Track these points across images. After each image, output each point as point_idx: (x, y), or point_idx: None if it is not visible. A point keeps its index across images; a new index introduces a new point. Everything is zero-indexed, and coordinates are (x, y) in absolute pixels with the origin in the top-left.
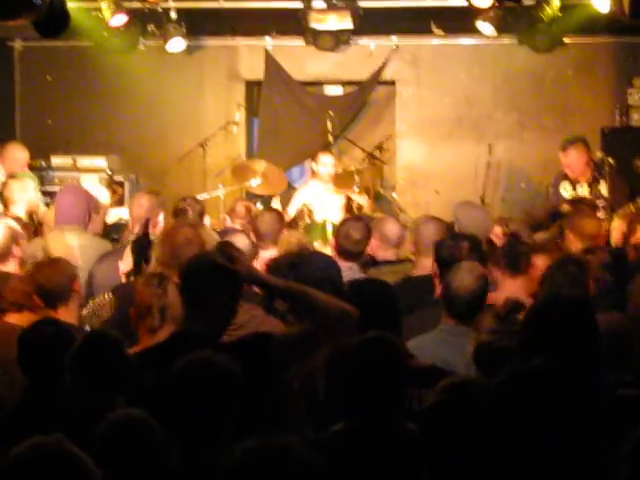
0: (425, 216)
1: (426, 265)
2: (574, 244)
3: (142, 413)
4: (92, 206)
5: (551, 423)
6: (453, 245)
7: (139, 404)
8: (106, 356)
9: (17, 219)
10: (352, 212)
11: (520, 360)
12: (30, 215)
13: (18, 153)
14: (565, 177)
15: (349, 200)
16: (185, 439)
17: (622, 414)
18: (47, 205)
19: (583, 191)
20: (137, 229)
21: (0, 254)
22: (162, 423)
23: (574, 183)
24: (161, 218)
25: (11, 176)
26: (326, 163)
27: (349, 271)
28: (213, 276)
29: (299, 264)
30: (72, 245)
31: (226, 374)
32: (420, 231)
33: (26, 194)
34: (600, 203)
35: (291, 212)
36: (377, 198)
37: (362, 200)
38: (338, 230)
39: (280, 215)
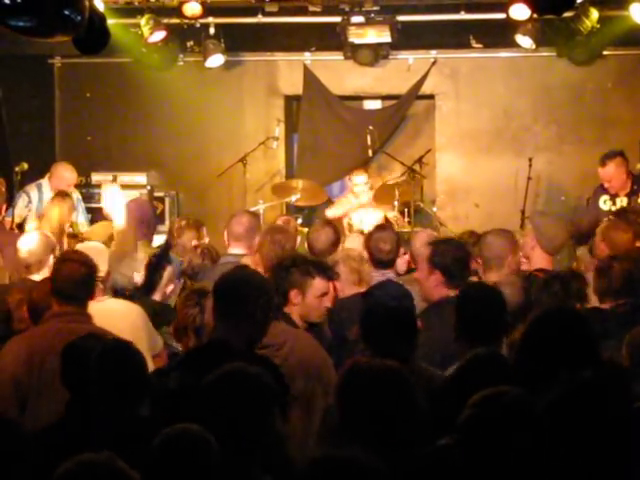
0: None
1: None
2: (604, 254)
3: (199, 428)
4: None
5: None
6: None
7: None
8: (124, 364)
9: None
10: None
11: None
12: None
13: (66, 173)
14: (604, 190)
15: (386, 218)
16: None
17: None
18: (90, 222)
19: (622, 204)
20: (232, 247)
21: (36, 262)
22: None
23: (613, 196)
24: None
25: (58, 194)
26: (358, 182)
27: (383, 278)
28: (246, 289)
29: (372, 292)
30: None
31: (260, 385)
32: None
33: (69, 213)
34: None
35: (329, 214)
36: (417, 212)
37: (392, 215)
38: (368, 242)
39: (335, 229)
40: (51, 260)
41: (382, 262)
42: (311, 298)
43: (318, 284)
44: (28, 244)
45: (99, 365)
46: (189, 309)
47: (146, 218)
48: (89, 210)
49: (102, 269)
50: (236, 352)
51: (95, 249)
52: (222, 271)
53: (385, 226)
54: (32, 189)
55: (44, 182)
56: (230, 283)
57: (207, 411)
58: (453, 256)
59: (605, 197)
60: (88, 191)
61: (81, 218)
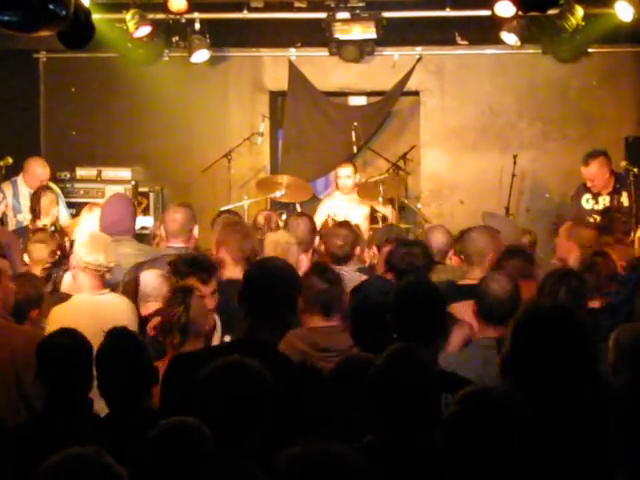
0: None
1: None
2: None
3: (195, 420)
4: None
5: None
6: (406, 252)
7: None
8: (129, 355)
9: (43, 229)
10: (377, 223)
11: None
12: (55, 226)
13: (38, 168)
14: (586, 189)
15: (373, 211)
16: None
17: None
18: (72, 216)
19: (605, 202)
20: (171, 242)
21: None
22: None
23: (596, 195)
24: (196, 231)
25: (40, 187)
26: (342, 175)
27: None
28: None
29: (361, 287)
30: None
31: (255, 377)
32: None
33: (55, 206)
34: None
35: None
36: (401, 209)
37: (386, 211)
38: (324, 237)
39: (311, 220)
40: None
41: (337, 257)
42: None
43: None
44: None
45: (105, 355)
46: (174, 307)
47: (115, 218)
48: (73, 205)
49: (110, 260)
50: (270, 349)
51: (102, 239)
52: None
53: (344, 223)
54: (7, 186)
55: (19, 178)
56: (267, 277)
57: (204, 403)
58: None
59: (587, 196)
60: (72, 186)
61: (63, 212)
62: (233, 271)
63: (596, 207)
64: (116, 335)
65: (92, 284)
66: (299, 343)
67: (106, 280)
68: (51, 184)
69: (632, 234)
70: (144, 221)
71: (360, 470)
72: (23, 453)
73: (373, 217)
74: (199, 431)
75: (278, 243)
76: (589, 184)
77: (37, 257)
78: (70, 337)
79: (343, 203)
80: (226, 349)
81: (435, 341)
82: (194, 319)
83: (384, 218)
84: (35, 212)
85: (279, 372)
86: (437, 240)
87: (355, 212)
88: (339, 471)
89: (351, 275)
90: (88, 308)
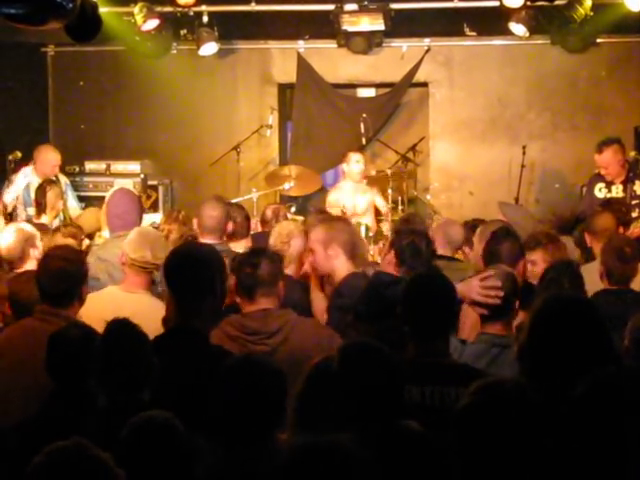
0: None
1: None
2: (593, 244)
3: (167, 415)
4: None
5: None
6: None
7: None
8: (130, 347)
9: (41, 225)
10: (379, 214)
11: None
12: (66, 218)
13: (49, 154)
14: (600, 178)
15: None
16: (226, 437)
17: None
18: (83, 209)
19: (618, 191)
20: (205, 238)
21: (15, 257)
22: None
23: (609, 184)
24: (230, 227)
25: (46, 181)
26: (357, 160)
27: None
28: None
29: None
30: None
31: (271, 373)
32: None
33: (60, 200)
34: (635, 202)
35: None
36: (411, 201)
37: (381, 204)
38: None
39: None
40: (32, 253)
41: None
42: None
43: None
44: (5, 241)
45: (106, 346)
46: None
47: (119, 211)
48: (82, 199)
49: (158, 257)
50: (202, 339)
51: (150, 235)
52: None
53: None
54: (18, 177)
55: (28, 169)
56: (184, 262)
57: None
58: None
59: (601, 185)
60: (81, 179)
61: (73, 203)
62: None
63: (609, 196)
64: (116, 326)
65: (136, 281)
66: (229, 328)
67: (153, 277)
68: (60, 175)
69: (631, 226)
70: (154, 217)
71: (364, 463)
72: (27, 447)
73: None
74: (171, 425)
75: (280, 233)
76: (603, 172)
77: None
78: (80, 331)
79: (350, 193)
80: (160, 339)
81: (446, 333)
82: None
83: (377, 211)
84: (40, 206)
85: (213, 363)
86: (457, 233)
87: (361, 201)
88: (343, 464)
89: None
90: (113, 303)
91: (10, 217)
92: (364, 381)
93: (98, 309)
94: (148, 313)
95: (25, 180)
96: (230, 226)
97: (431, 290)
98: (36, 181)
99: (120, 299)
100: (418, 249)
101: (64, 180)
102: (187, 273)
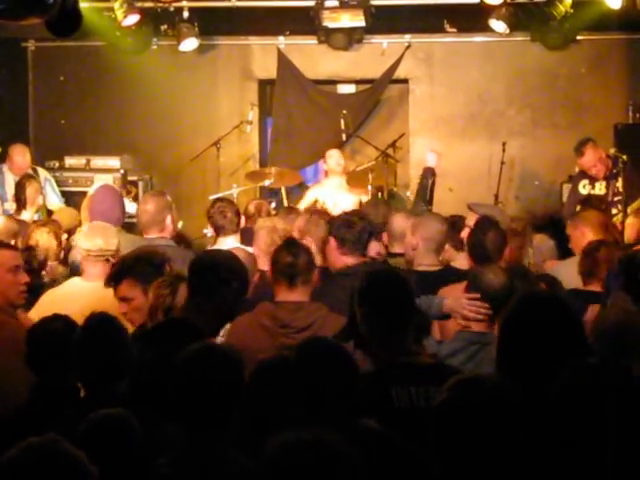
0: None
1: None
2: (586, 237)
3: (122, 412)
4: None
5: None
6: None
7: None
8: (107, 338)
9: (21, 222)
10: None
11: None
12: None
13: (18, 157)
14: (584, 175)
15: (361, 203)
16: (189, 428)
17: None
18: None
19: (601, 188)
20: (147, 234)
21: None
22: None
23: (593, 180)
24: (169, 221)
25: (25, 177)
26: (332, 155)
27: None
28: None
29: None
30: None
31: (229, 361)
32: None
33: (40, 195)
34: (617, 198)
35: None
36: (391, 197)
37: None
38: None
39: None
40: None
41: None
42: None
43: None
44: None
45: (84, 340)
46: (161, 289)
47: (102, 207)
48: (62, 194)
49: (110, 243)
50: (192, 331)
51: (100, 225)
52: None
53: (356, 212)
54: None
55: (4, 166)
56: (203, 263)
57: (177, 388)
58: None
59: (585, 181)
60: (62, 175)
61: (54, 198)
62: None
63: (593, 192)
64: (95, 320)
65: (94, 272)
66: (263, 318)
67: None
68: (41, 170)
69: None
70: (131, 208)
71: (351, 459)
72: (9, 442)
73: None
74: (125, 423)
75: (274, 229)
76: (593, 171)
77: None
78: (60, 323)
79: (332, 190)
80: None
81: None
82: (180, 304)
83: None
84: (20, 202)
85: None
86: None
87: (343, 199)
88: (330, 458)
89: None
90: (78, 294)
91: None
92: (319, 379)
93: (59, 297)
94: (103, 301)
95: (0, 176)
96: (169, 219)
97: (389, 285)
98: (11, 178)
99: (79, 288)
100: (350, 223)
101: (44, 175)
102: (194, 276)
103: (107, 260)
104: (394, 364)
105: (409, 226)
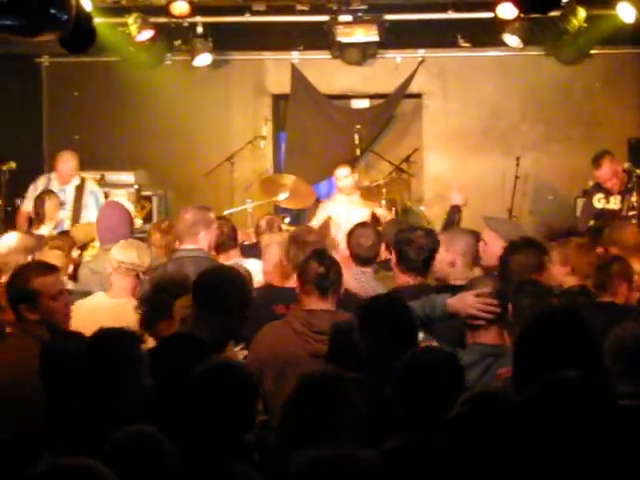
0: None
1: None
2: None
3: (151, 429)
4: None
5: (584, 433)
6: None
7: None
8: (117, 354)
9: (38, 236)
10: (379, 225)
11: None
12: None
13: (62, 165)
14: (599, 189)
15: (374, 214)
16: (197, 441)
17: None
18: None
19: (616, 202)
20: (183, 244)
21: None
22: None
23: (608, 194)
24: (202, 236)
25: (44, 192)
26: (340, 176)
27: (362, 275)
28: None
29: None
30: None
31: (242, 379)
32: None
33: (59, 210)
34: (631, 213)
35: (315, 225)
36: (405, 211)
37: (383, 214)
38: (349, 238)
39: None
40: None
41: (362, 258)
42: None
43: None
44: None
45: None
46: (182, 300)
47: (109, 224)
48: None
49: (143, 260)
50: (196, 346)
51: (135, 242)
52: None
53: (366, 223)
54: (41, 180)
55: (53, 174)
56: (208, 278)
57: (190, 405)
58: None
59: (600, 195)
60: None
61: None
62: None
63: (607, 206)
64: (98, 337)
65: (122, 286)
66: (296, 324)
67: (141, 281)
68: (90, 182)
69: None
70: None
71: (372, 476)
72: (22, 462)
73: (375, 220)
74: (156, 440)
75: (282, 244)
76: (609, 185)
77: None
78: (74, 341)
79: (344, 206)
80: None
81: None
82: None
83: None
84: (39, 216)
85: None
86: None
87: (356, 214)
88: (350, 476)
89: (367, 278)
90: (100, 310)
91: (30, 221)
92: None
93: (85, 315)
94: (124, 319)
95: (47, 182)
96: (202, 235)
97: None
98: (56, 186)
99: (106, 305)
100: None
101: (90, 187)
102: (199, 291)
103: (137, 276)
104: None
105: (442, 243)
